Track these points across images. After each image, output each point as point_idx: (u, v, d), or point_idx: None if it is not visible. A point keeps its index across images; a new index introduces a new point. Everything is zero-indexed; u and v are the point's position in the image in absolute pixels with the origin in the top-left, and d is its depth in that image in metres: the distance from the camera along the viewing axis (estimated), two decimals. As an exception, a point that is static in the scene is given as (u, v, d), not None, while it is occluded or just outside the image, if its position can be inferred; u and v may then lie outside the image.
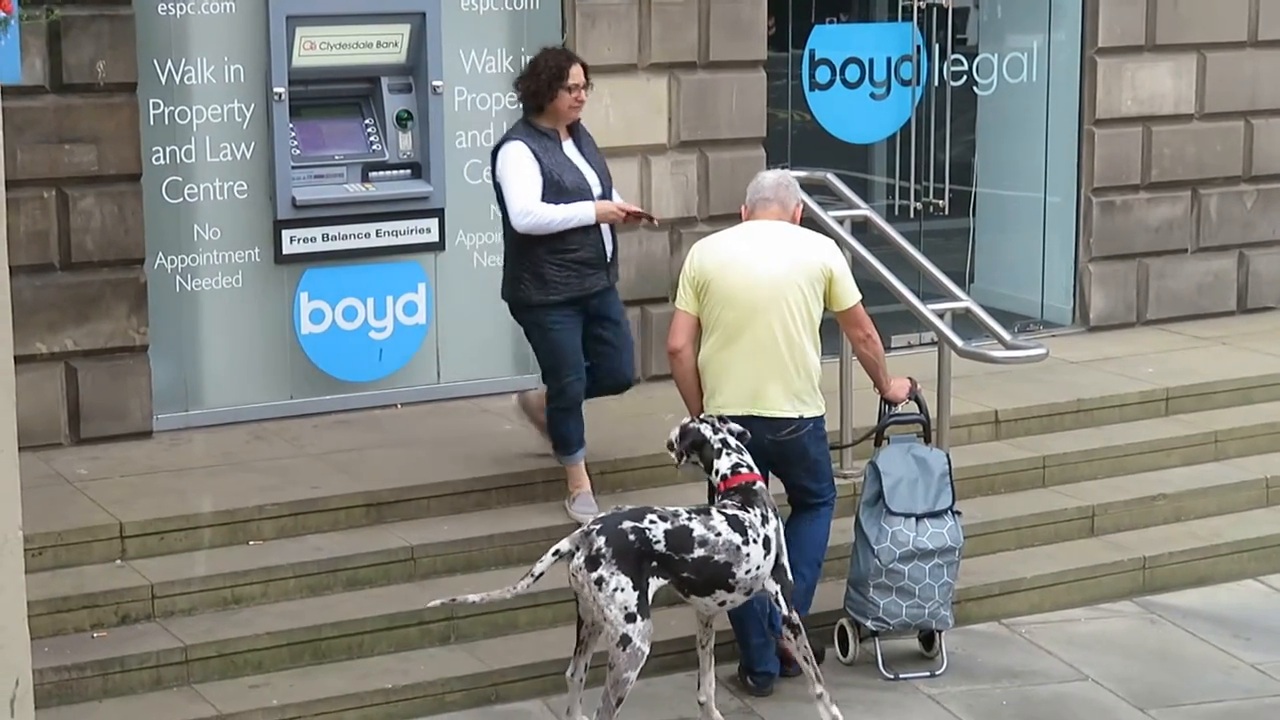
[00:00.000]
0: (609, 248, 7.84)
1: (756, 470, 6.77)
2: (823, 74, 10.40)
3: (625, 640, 6.32)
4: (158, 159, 8.60)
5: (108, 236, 8.43)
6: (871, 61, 10.52)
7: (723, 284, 7.02)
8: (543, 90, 7.67)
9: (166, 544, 7.48)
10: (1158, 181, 10.98)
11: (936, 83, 10.73)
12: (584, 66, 7.78)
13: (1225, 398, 9.73)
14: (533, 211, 7.59)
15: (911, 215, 10.81)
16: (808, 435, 7.10)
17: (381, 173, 9.04)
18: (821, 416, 7.17)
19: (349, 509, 7.82)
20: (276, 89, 8.67)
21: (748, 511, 6.59)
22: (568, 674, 6.65)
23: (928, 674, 7.39)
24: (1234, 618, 7.99)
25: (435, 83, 9.01)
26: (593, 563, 6.35)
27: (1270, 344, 10.54)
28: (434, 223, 9.14)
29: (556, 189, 7.63)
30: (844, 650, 7.47)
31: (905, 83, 10.58)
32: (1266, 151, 11.28)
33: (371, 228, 9.02)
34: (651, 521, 6.45)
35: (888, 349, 10.06)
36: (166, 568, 7.34)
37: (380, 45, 8.96)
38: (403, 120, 9.04)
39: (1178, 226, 11.11)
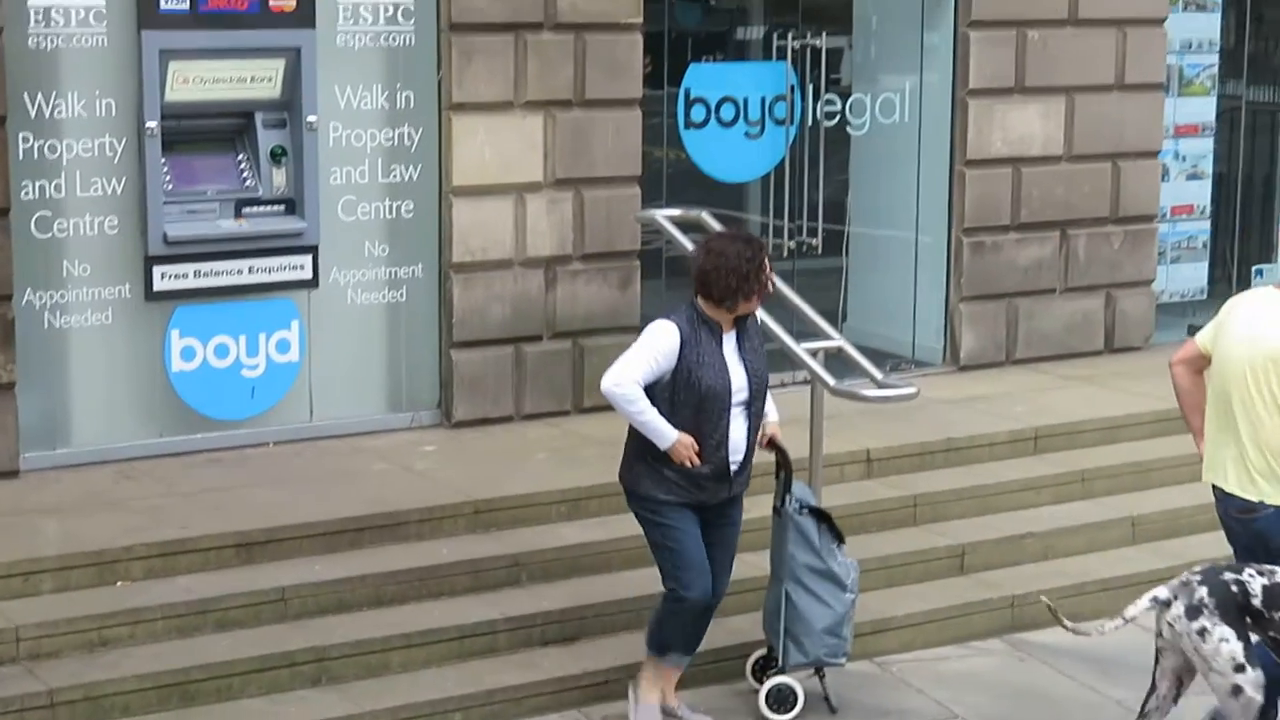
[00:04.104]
0: (736, 460, 6.93)
1: None
2: (698, 112, 10.46)
3: (1237, 690, 6.29)
4: (26, 194, 8.48)
5: (-26, 272, 8.32)
6: (746, 100, 10.59)
7: (1220, 339, 6.88)
8: (737, 288, 6.77)
9: (32, 585, 7.36)
10: (1027, 222, 11.13)
11: (810, 122, 10.82)
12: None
13: (1093, 436, 9.86)
14: (622, 386, 6.74)
15: (785, 254, 10.88)
16: (1265, 521, 6.69)
17: (255, 208, 8.97)
18: None
19: (219, 549, 7.73)
20: (149, 123, 8.59)
21: None
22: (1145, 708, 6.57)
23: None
24: (1100, 655, 8.07)
25: (310, 118, 8.97)
26: (1193, 612, 6.31)
27: (1137, 383, 10.69)
28: (308, 259, 9.08)
29: (688, 389, 6.77)
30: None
31: (779, 122, 10.66)
32: (1133, 193, 11.46)
33: (244, 264, 8.95)
34: (1250, 576, 6.40)
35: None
36: (31, 610, 7.22)
37: (255, 80, 8.91)
38: (277, 156, 8.99)
39: (1046, 267, 11.26)
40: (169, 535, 7.72)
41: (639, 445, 6.90)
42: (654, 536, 6.96)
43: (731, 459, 6.88)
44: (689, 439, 6.77)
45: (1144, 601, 6.43)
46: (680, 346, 6.74)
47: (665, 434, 6.76)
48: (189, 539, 7.71)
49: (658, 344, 6.77)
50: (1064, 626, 6.81)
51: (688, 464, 6.77)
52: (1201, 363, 6.99)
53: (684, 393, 6.75)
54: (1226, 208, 12.41)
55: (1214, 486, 6.88)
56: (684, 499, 6.86)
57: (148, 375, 8.86)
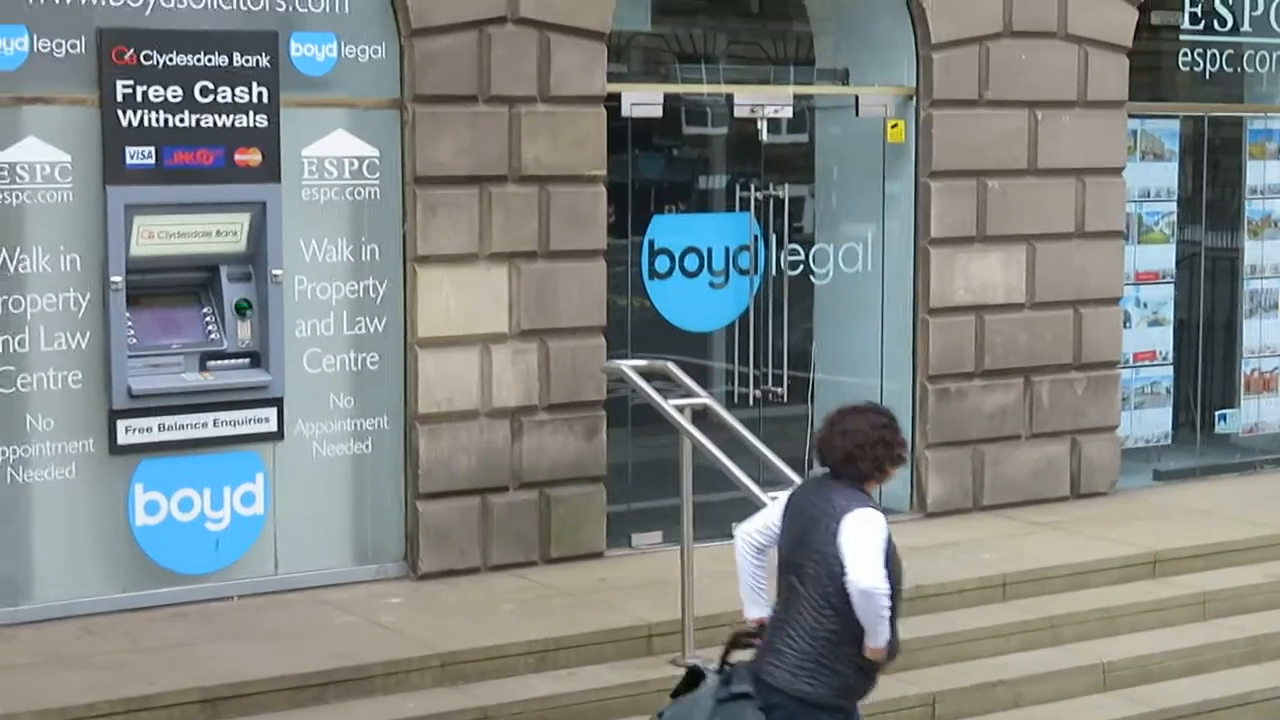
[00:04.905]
0: None
1: None
2: (662, 263, 10.52)
3: None
4: (-10, 348, 8.50)
5: (-63, 427, 8.29)
6: (710, 251, 10.66)
7: None
8: (884, 456, 6.45)
9: (-8, 744, 7.28)
10: (991, 369, 11.18)
11: (774, 272, 10.89)
12: None
13: (1061, 583, 9.85)
14: (881, 584, 6.18)
15: (751, 402, 10.91)
16: None
17: (220, 362, 8.97)
18: None
19: (184, 705, 7.64)
20: (114, 278, 8.61)
21: None
22: None
23: None
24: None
25: (275, 271, 8.99)
26: None
27: (1103, 529, 10.70)
28: (272, 412, 9.06)
29: (891, 578, 6.32)
30: None
31: (744, 272, 10.72)
32: (1096, 339, 11.53)
33: (209, 417, 8.93)
34: None
35: (727, 536, 10.18)
36: (-8, 769, 7.14)
37: (220, 234, 8.94)
38: (242, 309, 9.00)
39: (1011, 413, 11.30)
40: (133, 692, 7.63)
41: (833, 648, 6.30)
42: None
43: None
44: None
45: None
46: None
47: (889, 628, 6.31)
48: (153, 695, 7.62)
49: (883, 533, 6.27)
50: None
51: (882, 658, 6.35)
52: None
53: (892, 581, 6.31)
54: (1188, 353, 12.50)
55: None
56: (852, 700, 6.42)
57: (111, 529, 8.80)
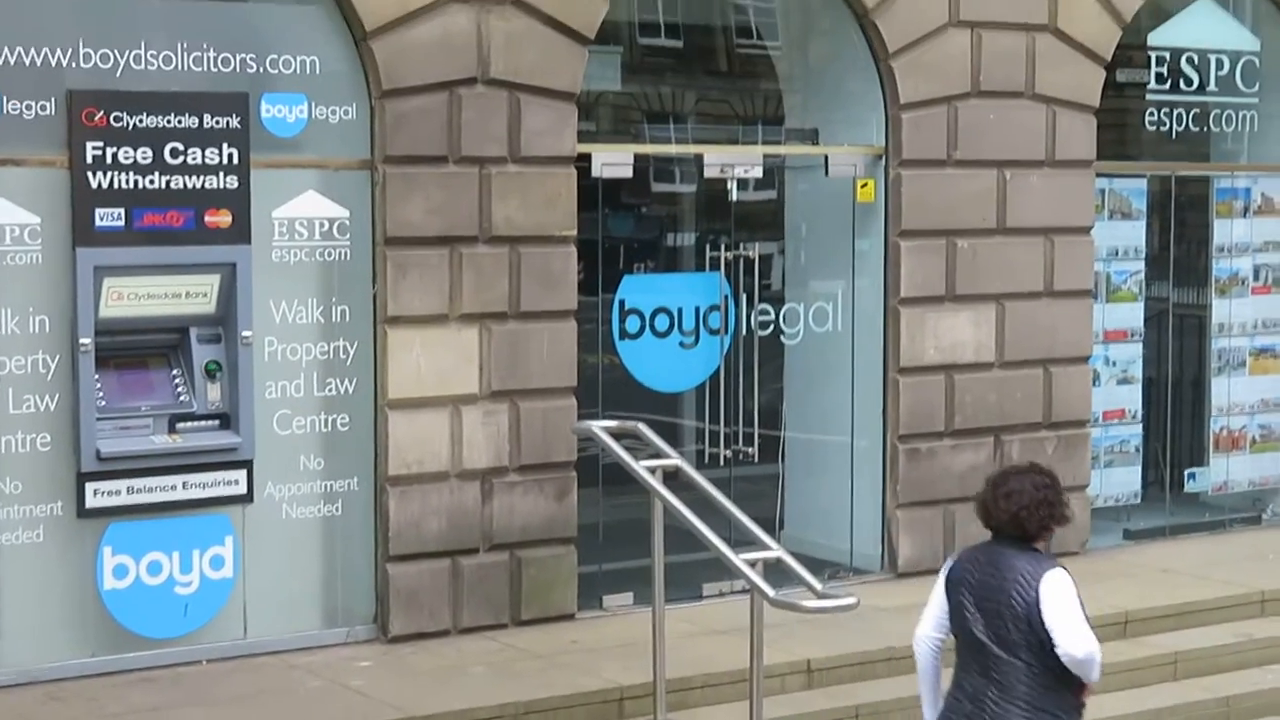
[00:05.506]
0: None
1: None
2: (632, 323, 10.51)
3: None
4: (-43, 411, 8.45)
5: (-97, 491, 8.23)
6: (680, 311, 10.65)
7: None
8: (1049, 515, 6.54)
9: (-43, 813, 7.21)
10: (961, 428, 11.19)
11: (745, 332, 10.89)
12: None
13: (1033, 642, 9.82)
14: (1096, 654, 6.36)
15: (722, 462, 10.89)
16: None
17: (189, 424, 8.93)
18: None
19: (151, 772, 7.60)
20: (83, 340, 8.57)
21: None
22: None
23: None
24: None
25: (245, 333, 8.97)
26: None
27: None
28: (242, 474, 9.02)
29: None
30: None
31: (714, 332, 10.73)
32: (1065, 398, 11.55)
33: (178, 480, 8.88)
34: None
35: (698, 597, 10.19)
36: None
37: (189, 295, 8.92)
38: (211, 371, 8.97)
39: (982, 472, 11.15)
40: (99, 759, 7.58)
41: (1054, 702, 6.40)
42: None
43: None
44: None
45: None
46: None
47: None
48: (119, 762, 7.58)
49: (1074, 589, 6.41)
50: None
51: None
52: None
53: None
54: (1157, 411, 12.53)
55: None
56: None
57: (79, 593, 8.74)
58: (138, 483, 8.78)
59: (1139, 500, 12.26)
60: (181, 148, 8.77)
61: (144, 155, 8.69)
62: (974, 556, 6.57)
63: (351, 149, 9.33)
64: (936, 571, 10.87)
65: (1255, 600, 10.70)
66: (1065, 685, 6.38)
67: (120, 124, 8.64)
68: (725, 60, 12.10)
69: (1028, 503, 6.49)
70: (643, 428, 8.93)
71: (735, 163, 10.75)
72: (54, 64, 8.57)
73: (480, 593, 9.60)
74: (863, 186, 10.99)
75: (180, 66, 8.86)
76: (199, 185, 8.82)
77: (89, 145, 8.57)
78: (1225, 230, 12.67)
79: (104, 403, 8.71)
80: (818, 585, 8.13)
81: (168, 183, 8.75)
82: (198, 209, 8.82)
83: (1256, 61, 12.59)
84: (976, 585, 6.47)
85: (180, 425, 8.91)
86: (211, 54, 8.94)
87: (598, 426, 8.92)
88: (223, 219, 8.89)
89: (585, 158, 10.02)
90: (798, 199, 11.55)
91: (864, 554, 11.14)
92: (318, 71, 9.23)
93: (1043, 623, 6.29)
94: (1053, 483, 6.61)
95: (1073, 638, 6.27)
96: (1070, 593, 6.37)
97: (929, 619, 6.65)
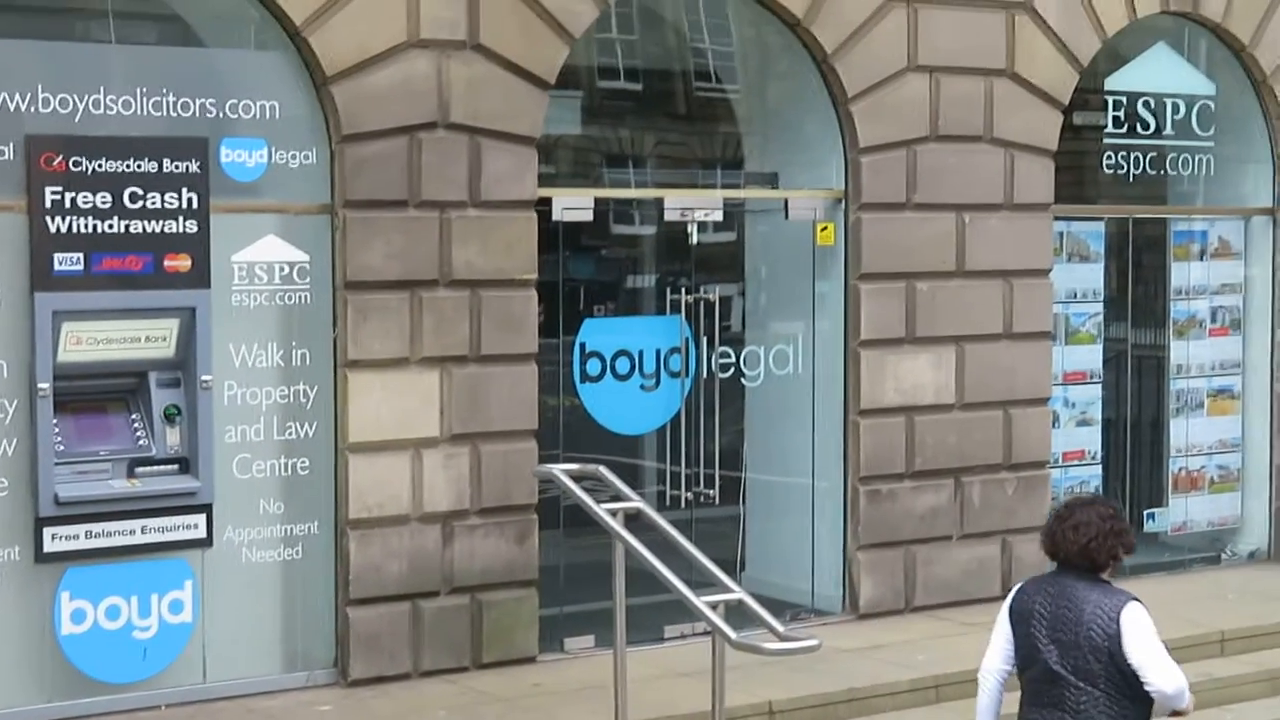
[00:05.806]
0: None
1: None
2: (593, 366, 10.52)
3: None
4: (-85, 456, 8.41)
5: None
6: (641, 354, 10.67)
7: None
8: (1115, 546, 6.60)
9: None
10: (921, 470, 11.22)
11: (705, 374, 10.92)
12: None
13: (993, 684, 9.83)
14: (1185, 689, 6.48)
15: (683, 504, 10.90)
16: None
17: (148, 468, 8.90)
18: None
19: (109, 819, 7.55)
20: (41, 385, 8.54)
21: None
22: None
23: None
24: None
25: (204, 377, 8.95)
26: None
27: (1035, 628, 10.69)
28: (201, 518, 8.99)
29: None
30: None
31: (675, 374, 10.74)
32: (1024, 440, 11.60)
33: (137, 524, 8.85)
34: None
35: (660, 640, 10.18)
36: None
37: (148, 340, 8.90)
38: (171, 415, 8.95)
39: (942, 514, 11.33)
40: (56, 806, 7.54)
41: None
42: None
43: None
44: None
45: None
46: None
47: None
48: (77, 809, 7.53)
49: (1151, 621, 6.51)
50: None
51: None
52: None
53: None
54: (1117, 452, 12.58)
55: None
56: None
57: (36, 639, 8.70)
58: (96, 527, 8.75)
59: (1099, 541, 12.28)
60: (141, 192, 8.77)
61: (103, 200, 8.68)
62: (1042, 589, 6.62)
63: (312, 193, 9.34)
64: (898, 613, 11.05)
65: (1215, 640, 10.74)
66: (1140, 713, 6.46)
67: (79, 168, 8.63)
68: (685, 104, 12.14)
69: (1095, 534, 6.56)
70: (604, 470, 8.93)
71: (695, 206, 10.79)
72: (12, 109, 8.56)
73: (441, 636, 9.58)
74: (823, 230, 11.04)
75: (140, 111, 8.86)
76: (158, 229, 8.82)
77: (48, 190, 8.56)
78: (1183, 273, 12.76)
79: (62, 447, 8.69)
80: (779, 627, 8.14)
81: (127, 227, 8.74)
82: (157, 253, 8.81)
83: (1212, 105, 12.71)
84: (1050, 618, 6.51)
85: (139, 470, 8.89)
86: (171, 98, 8.95)
87: (559, 469, 8.93)
88: (182, 263, 8.88)
89: (546, 201, 10.05)
90: (758, 242, 11.59)
91: (825, 595, 11.15)
92: (278, 116, 9.24)
93: (1124, 655, 6.36)
94: (1117, 513, 6.69)
95: (1164, 675, 6.37)
96: (1151, 628, 6.45)
97: (997, 652, 6.68)
